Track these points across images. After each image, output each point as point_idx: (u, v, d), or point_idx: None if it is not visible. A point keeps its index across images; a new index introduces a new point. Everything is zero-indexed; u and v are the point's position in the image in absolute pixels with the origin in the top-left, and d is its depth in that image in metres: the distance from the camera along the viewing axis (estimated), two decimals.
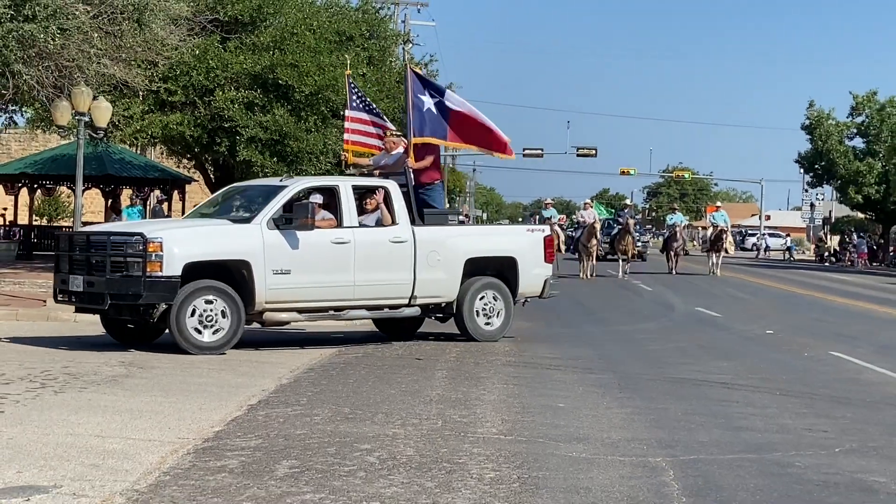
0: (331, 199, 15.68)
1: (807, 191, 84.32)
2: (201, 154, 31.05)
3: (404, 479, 7.54)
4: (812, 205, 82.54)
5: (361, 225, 15.70)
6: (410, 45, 44.09)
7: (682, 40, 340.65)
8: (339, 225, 15.45)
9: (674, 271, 40.32)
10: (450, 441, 8.94)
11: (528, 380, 12.89)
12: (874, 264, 65.72)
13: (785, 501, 7.37)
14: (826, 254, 72.73)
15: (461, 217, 22.09)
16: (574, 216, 47.19)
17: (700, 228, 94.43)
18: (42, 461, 7.65)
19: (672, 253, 41.16)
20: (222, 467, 7.72)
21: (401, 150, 17.25)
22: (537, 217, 43.54)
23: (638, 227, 58.38)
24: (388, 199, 16.07)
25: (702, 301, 27.09)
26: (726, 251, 42.78)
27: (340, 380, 12.40)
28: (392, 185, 16.22)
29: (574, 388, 12.34)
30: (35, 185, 39.74)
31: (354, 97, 18.19)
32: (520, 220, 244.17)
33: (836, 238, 75.55)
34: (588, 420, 10.21)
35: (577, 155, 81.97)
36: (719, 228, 41.35)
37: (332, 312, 15.49)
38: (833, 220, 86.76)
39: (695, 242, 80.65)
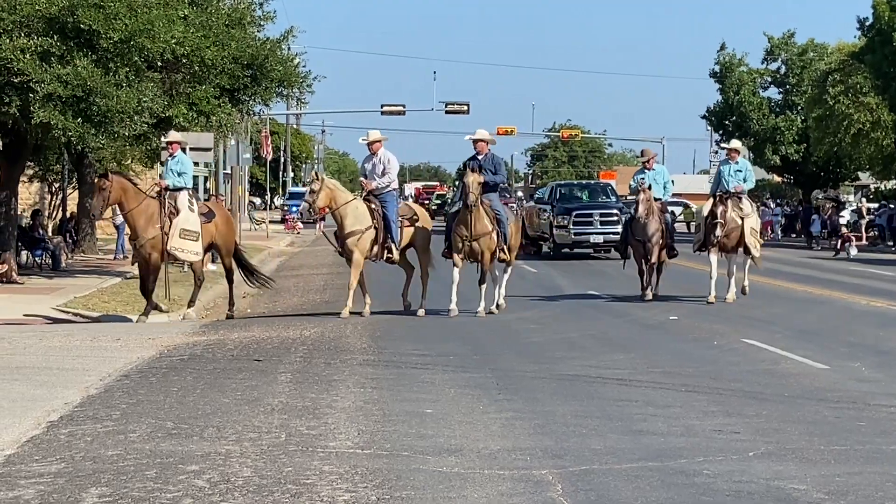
0: None
1: (716, 151, 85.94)
2: None
3: None
4: None
5: None
6: None
7: None
8: None
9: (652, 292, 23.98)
10: (295, 458, 8.91)
11: (390, 382, 12.90)
12: (792, 235, 67.49)
13: None
14: None
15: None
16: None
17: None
18: None
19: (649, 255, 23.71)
20: (15, 499, 7.56)
21: None
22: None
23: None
24: None
25: (594, 283, 27.46)
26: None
27: (162, 388, 12.25)
28: None
29: (444, 390, 12.40)
30: None
31: None
32: None
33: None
34: (461, 428, 10.27)
35: (446, 112, 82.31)
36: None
37: None
38: None
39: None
